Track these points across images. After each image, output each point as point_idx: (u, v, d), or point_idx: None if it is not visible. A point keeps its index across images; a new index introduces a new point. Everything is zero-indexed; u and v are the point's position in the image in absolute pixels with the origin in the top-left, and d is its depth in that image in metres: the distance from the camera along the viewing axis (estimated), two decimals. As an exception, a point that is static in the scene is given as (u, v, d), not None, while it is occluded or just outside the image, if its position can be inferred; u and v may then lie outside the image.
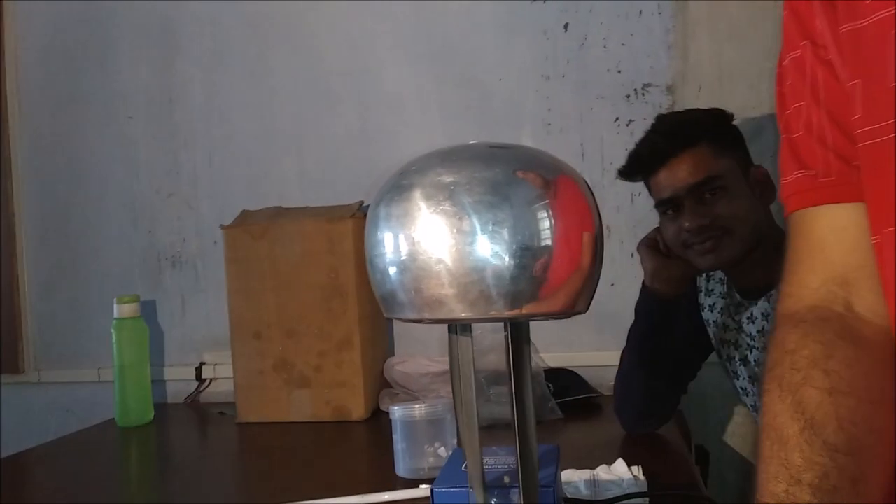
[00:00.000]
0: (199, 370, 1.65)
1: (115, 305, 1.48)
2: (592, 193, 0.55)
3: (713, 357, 1.21)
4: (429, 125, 1.55)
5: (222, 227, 1.45)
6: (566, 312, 0.51)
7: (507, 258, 0.48)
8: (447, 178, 0.49)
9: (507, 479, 0.55)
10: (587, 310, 0.53)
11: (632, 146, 1.45)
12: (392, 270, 0.50)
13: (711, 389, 1.27)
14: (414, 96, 1.57)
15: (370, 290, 1.59)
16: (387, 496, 0.93)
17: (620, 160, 1.45)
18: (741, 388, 1.14)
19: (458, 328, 0.53)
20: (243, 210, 1.51)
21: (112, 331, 1.48)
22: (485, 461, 0.58)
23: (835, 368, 0.46)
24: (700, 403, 1.29)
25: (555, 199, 0.49)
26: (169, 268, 1.70)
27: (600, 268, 0.54)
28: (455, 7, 1.53)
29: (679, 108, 1.42)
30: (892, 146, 0.45)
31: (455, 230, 0.48)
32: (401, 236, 0.49)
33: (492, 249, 0.48)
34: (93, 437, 1.43)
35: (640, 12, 1.43)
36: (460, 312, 0.49)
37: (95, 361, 1.70)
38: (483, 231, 0.48)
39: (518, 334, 0.51)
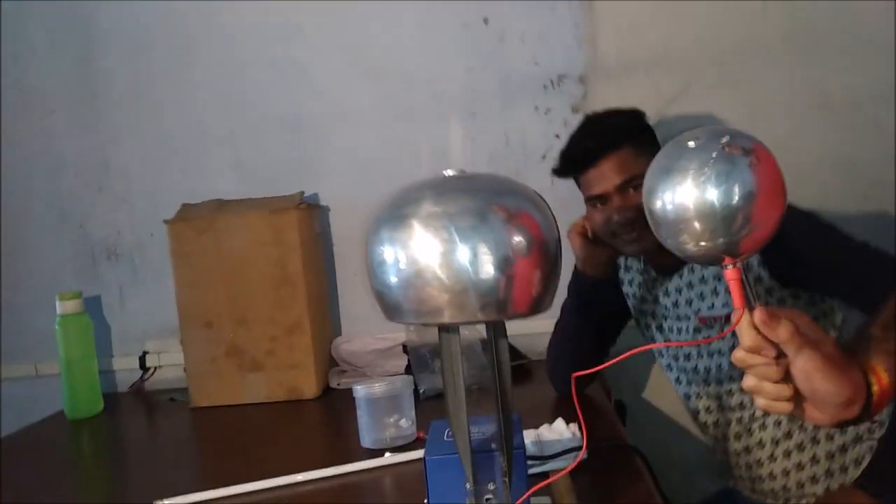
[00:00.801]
0: (142, 359, 1.69)
1: (57, 302, 1.49)
2: (549, 208, 0.67)
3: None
4: (358, 115, 1.63)
5: (166, 221, 1.48)
6: (535, 311, 0.63)
7: (491, 272, 0.60)
8: (438, 209, 0.60)
9: (493, 446, 0.68)
10: (551, 305, 0.66)
11: (550, 133, 1.60)
12: (396, 285, 0.61)
13: (627, 351, 1.45)
14: (342, 87, 1.63)
15: (317, 276, 1.71)
16: (357, 466, 1.04)
17: (541, 146, 1.60)
18: (657, 352, 1.32)
19: (448, 329, 0.64)
20: (183, 204, 1.55)
21: (56, 327, 1.49)
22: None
23: None
24: (618, 364, 1.47)
25: (519, 225, 0.61)
26: (104, 261, 1.71)
27: (560, 270, 0.66)
28: (377, 2, 1.60)
29: (591, 96, 1.57)
30: None
31: (448, 253, 0.59)
32: (402, 257, 0.60)
33: (479, 265, 0.59)
34: (45, 430, 1.46)
35: (552, 7, 1.56)
36: (453, 318, 0.60)
37: (31, 357, 1.70)
38: (471, 252, 0.59)
39: (498, 332, 0.64)
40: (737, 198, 0.56)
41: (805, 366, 0.60)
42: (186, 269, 1.47)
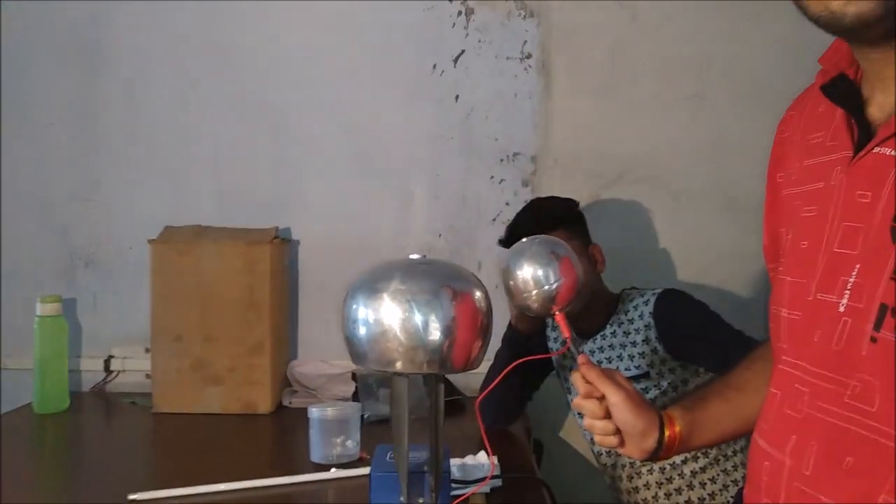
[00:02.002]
0: (107, 363, 1.82)
1: (38, 304, 1.63)
2: (486, 290, 0.88)
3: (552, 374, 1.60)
4: (336, 166, 1.82)
5: (150, 241, 1.64)
6: (468, 368, 0.84)
7: (437, 336, 0.80)
8: (403, 287, 0.80)
9: (425, 468, 0.87)
10: (480, 364, 0.87)
11: (502, 200, 1.83)
12: (365, 340, 0.80)
13: (548, 396, 1.66)
14: (323, 137, 1.83)
15: (280, 303, 1.91)
16: (308, 477, 1.22)
17: (492, 210, 1.83)
18: (571, 403, 1.54)
19: (399, 375, 0.84)
20: (167, 226, 1.70)
21: (35, 327, 1.62)
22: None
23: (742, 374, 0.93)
24: (539, 407, 1.68)
25: (461, 302, 0.82)
26: (82, 268, 1.84)
27: (490, 338, 0.87)
28: (365, 68, 1.81)
29: (539, 174, 1.80)
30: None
31: (407, 320, 0.79)
32: (372, 319, 0.80)
33: (429, 332, 0.79)
34: (13, 421, 1.57)
35: (515, 94, 1.80)
36: (406, 369, 0.80)
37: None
38: (424, 320, 0.79)
39: (437, 382, 0.84)
40: (552, 277, 0.93)
41: (611, 399, 0.86)
42: (164, 286, 1.62)
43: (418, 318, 0.79)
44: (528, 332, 1.44)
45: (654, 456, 0.88)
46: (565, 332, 0.96)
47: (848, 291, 0.63)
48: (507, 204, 1.80)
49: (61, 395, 1.65)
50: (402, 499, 0.86)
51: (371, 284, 0.81)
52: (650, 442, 0.87)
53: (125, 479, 1.23)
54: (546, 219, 1.40)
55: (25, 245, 1.83)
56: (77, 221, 1.84)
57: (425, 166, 1.82)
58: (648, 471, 1.40)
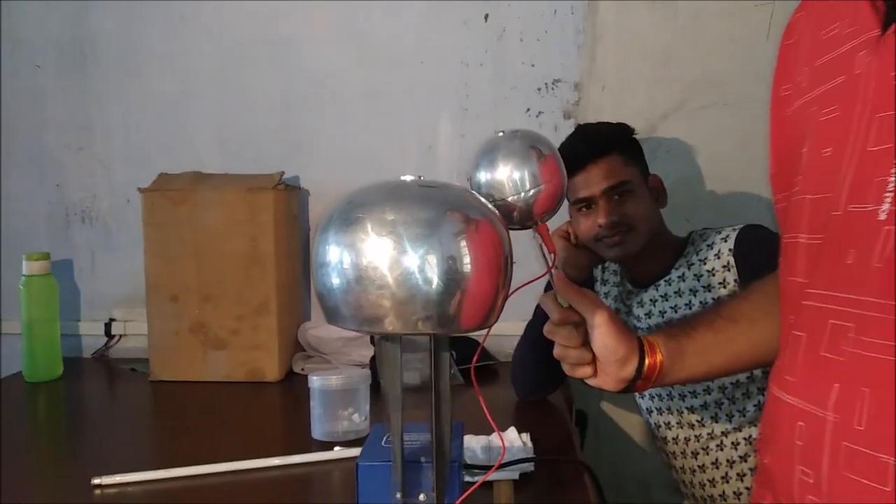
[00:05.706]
0: (108, 326, 1.67)
1: (24, 262, 1.47)
2: (505, 225, 0.65)
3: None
4: (350, 102, 1.60)
5: (140, 189, 1.46)
6: (479, 327, 0.62)
7: (434, 284, 0.58)
8: (390, 216, 0.58)
9: (422, 459, 0.66)
10: (496, 321, 0.65)
11: (540, 137, 1.57)
12: (339, 290, 0.59)
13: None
14: (336, 72, 1.61)
15: (289, 258, 1.66)
16: (304, 458, 1.03)
17: (528, 149, 1.57)
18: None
19: (389, 338, 0.62)
20: (161, 173, 1.52)
21: (20, 287, 1.47)
22: (403, 438, 0.69)
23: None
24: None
25: (475, 234, 0.59)
26: (78, 223, 1.68)
27: (509, 286, 0.65)
28: (381, -13, 1.57)
29: (584, 103, 1.55)
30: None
31: (394, 261, 0.57)
32: (348, 261, 0.58)
33: (424, 277, 0.58)
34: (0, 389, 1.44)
35: (555, 11, 1.53)
36: (394, 328, 0.58)
37: (-5, 313, 1.68)
38: (418, 261, 0.57)
39: (439, 345, 0.62)
40: (530, 181, 0.71)
41: (594, 320, 0.75)
42: (157, 240, 1.44)
43: (410, 258, 0.57)
44: (577, 278, 1.21)
45: (630, 386, 0.78)
46: (549, 247, 0.76)
47: (889, 194, 0.52)
48: (547, 141, 1.55)
49: (53, 362, 1.50)
50: (397, 496, 0.66)
51: (346, 215, 0.60)
52: (629, 370, 0.77)
53: (101, 457, 1.07)
54: (599, 140, 1.17)
55: (19, 199, 1.68)
56: (71, 173, 1.68)
57: (451, 100, 1.58)
58: (718, 446, 1.17)
